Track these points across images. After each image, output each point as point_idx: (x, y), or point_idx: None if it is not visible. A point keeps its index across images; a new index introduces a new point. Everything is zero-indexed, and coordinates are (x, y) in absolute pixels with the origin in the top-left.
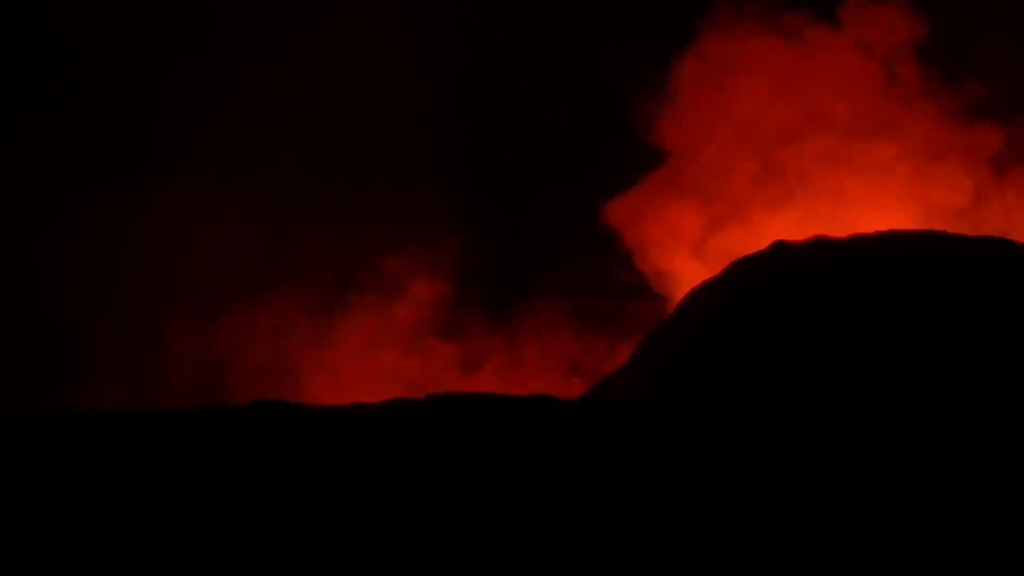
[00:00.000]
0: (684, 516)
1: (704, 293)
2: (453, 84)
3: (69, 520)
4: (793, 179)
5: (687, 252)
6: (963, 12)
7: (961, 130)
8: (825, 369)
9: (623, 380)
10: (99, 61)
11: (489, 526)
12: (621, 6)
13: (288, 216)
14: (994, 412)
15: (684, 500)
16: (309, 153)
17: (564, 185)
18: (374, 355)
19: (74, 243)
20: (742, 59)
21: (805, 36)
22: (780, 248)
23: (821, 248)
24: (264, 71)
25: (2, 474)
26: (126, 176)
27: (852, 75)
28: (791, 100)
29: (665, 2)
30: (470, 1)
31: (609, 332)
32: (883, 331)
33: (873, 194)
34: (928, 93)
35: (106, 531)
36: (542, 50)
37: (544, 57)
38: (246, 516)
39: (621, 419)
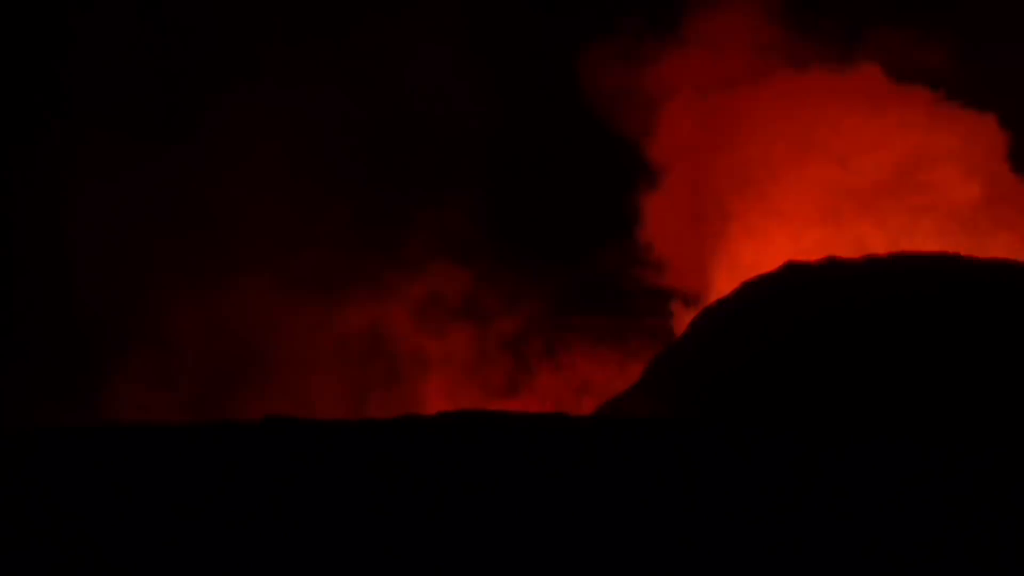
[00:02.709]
0: (694, 534)
1: (715, 312)
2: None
3: (84, 533)
4: (802, 196)
5: (701, 270)
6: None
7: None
8: (836, 389)
9: (634, 398)
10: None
11: (499, 543)
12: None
13: (311, 214)
14: (1008, 436)
15: (695, 518)
16: (345, 153)
17: (577, 204)
18: (384, 372)
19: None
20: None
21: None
22: (791, 268)
23: (833, 269)
24: (310, 66)
25: (22, 489)
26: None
27: (860, 94)
28: (801, 115)
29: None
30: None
31: (620, 350)
32: (894, 352)
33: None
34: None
35: (119, 545)
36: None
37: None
38: (258, 530)
39: (633, 437)
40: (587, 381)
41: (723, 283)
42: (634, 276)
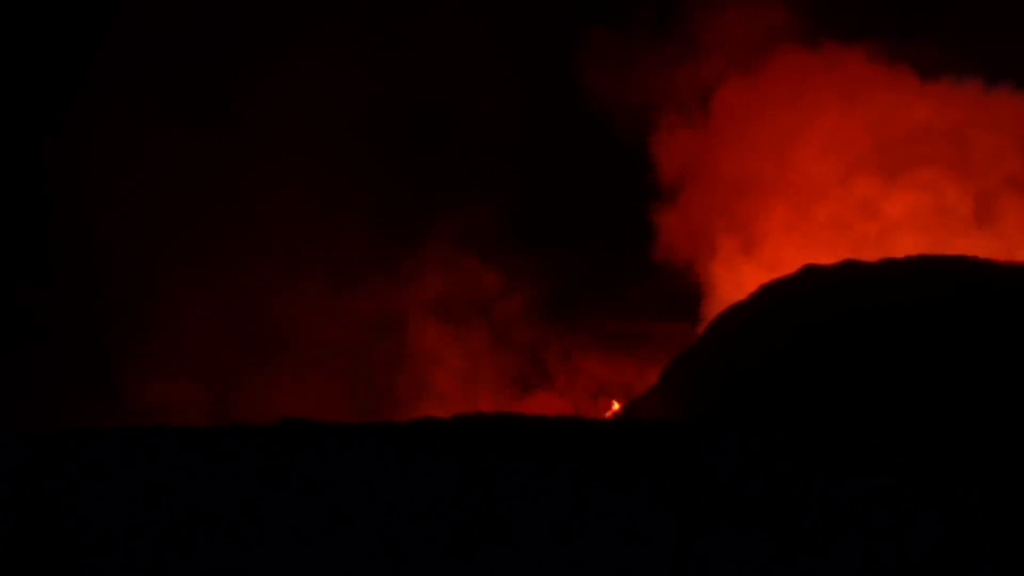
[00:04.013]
0: (710, 537)
1: (733, 316)
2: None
3: (102, 535)
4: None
5: (722, 270)
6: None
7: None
8: (852, 392)
9: (652, 402)
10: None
11: (514, 546)
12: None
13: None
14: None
15: (712, 522)
16: (376, 144)
17: (593, 210)
18: (401, 370)
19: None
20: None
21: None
22: (809, 271)
23: (851, 271)
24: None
25: (45, 492)
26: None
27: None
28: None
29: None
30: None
31: (638, 354)
32: (912, 355)
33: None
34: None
35: (134, 548)
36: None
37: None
38: (275, 534)
39: (649, 440)
40: (604, 384)
41: (739, 286)
42: (652, 279)
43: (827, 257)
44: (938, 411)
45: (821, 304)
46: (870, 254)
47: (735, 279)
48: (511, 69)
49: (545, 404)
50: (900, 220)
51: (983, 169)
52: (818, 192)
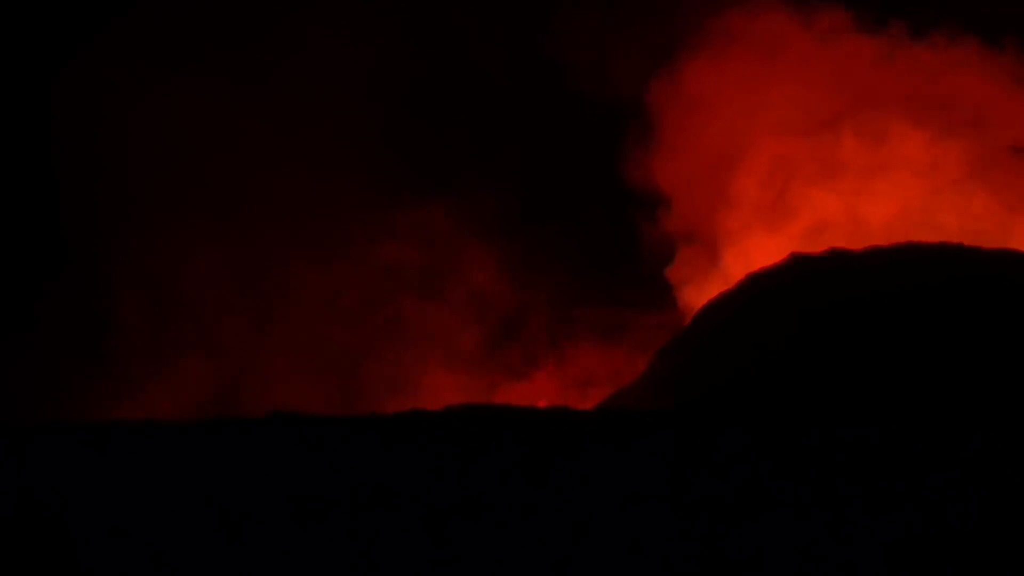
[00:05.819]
0: (699, 526)
1: (720, 304)
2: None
3: (91, 529)
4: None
5: (711, 257)
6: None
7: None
8: (839, 381)
9: (640, 391)
10: None
11: (504, 538)
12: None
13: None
14: (1013, 427)
15: (699, 510)
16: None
17: (581, 196)
18: (388, 357)
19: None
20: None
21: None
22: (795, 260)
23: (836, 260)
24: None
25: (35, 486)
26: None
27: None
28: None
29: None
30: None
31: (626, 343)
32: (898, 343)
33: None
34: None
35: (124, 544)
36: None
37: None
38: (263, 526)
39: (638, 430)
40: (592, 374)
41: (729, 275)
42: (641, 268)
43: (808, 243)
44: (928, 399)
45: (808, 293)
46: (855, 235)
47: (715, 271)
48: (517, 48)
49: (533, 392)
50: (884, 193)
51: (978, 134)
52: (795, 162)
